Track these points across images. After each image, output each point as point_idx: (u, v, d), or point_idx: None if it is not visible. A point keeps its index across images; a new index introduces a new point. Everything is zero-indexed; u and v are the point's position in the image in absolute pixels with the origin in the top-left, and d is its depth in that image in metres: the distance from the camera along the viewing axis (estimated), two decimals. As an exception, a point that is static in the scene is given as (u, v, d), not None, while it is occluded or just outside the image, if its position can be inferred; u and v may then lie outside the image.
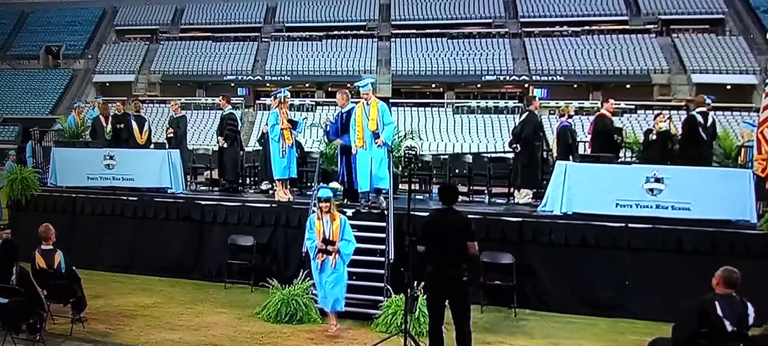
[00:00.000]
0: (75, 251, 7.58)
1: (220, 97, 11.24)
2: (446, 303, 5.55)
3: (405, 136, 10.67)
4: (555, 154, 9.76)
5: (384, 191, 8.37)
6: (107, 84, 34.77)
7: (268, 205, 9.24)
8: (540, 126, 10.32)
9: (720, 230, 7.72)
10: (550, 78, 31.39)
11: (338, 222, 6.73)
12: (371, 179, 8.22)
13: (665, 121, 10.03)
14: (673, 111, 18.06)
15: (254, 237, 8.95)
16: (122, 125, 11.14)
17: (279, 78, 33.26)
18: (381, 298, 7.32)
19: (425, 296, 6.88)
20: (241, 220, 9.21)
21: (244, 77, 34.10)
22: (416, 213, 6.43)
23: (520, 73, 31.81)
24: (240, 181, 10.95)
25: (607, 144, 9.43)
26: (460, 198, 9.84)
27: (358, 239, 7.19)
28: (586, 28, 33.34)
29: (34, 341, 6.14)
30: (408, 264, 6.10)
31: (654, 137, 9.82)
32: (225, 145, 10.50)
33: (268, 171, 10.33)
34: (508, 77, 31.74)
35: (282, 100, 9.04)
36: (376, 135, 8.16)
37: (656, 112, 12.66)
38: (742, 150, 9.17)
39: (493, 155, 12.94)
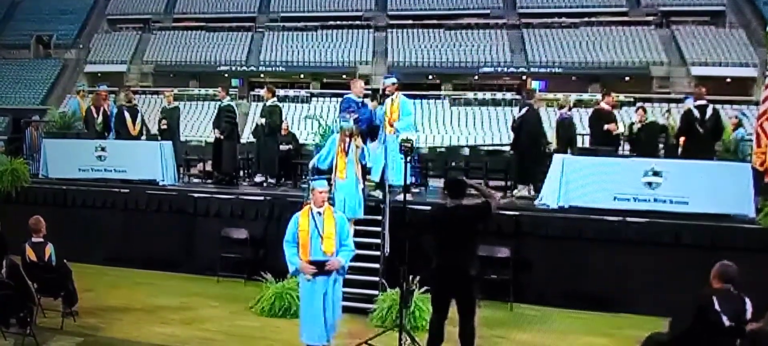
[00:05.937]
0: (66, 243, 7.44)
1: (219, 88, 11.09)
2: (452, 299, 5.46)
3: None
4: (554, 147, 9.68)
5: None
6: (99, 74, 34.33)
7: (262, 198, 9.16)
8: (540, 121, 10.18)
9: (718, 225, 7.66)
10: (548, 70, 31.21)
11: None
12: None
13: (665, 114, 10.00)
14: (672, 104, 17.96)
15: (248, 230, 8.87)
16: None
17: (274, 69, 33.03)
18: (376, 292, 7.27)
19: (423, 290, 6.88)
20: (235, 213, 9.13)
21: (238, 68, 33.74)
22: (413, 207, 6.35)
23: (518, 65, 31.65)
24: (234, 173, 10.85)
25: (604, 137, 9.36)
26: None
27: (356, 234, 7.02)
28: (585, 19, 33.05)
29: (25, 335, 6.04)
30: (404, 258, 6.02)
31: (638, 128, 9.80)
32: (221, 138, 10.37)
33: (262, 165, 10.26)
34: (506, 69, 31.56)
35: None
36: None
37: (638, 105, 12.38)
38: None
39: (490, 148, 12.91)
